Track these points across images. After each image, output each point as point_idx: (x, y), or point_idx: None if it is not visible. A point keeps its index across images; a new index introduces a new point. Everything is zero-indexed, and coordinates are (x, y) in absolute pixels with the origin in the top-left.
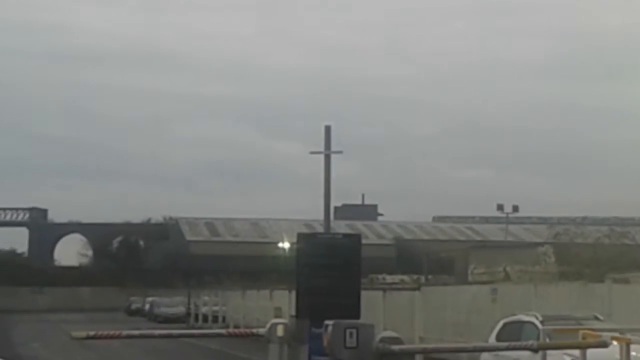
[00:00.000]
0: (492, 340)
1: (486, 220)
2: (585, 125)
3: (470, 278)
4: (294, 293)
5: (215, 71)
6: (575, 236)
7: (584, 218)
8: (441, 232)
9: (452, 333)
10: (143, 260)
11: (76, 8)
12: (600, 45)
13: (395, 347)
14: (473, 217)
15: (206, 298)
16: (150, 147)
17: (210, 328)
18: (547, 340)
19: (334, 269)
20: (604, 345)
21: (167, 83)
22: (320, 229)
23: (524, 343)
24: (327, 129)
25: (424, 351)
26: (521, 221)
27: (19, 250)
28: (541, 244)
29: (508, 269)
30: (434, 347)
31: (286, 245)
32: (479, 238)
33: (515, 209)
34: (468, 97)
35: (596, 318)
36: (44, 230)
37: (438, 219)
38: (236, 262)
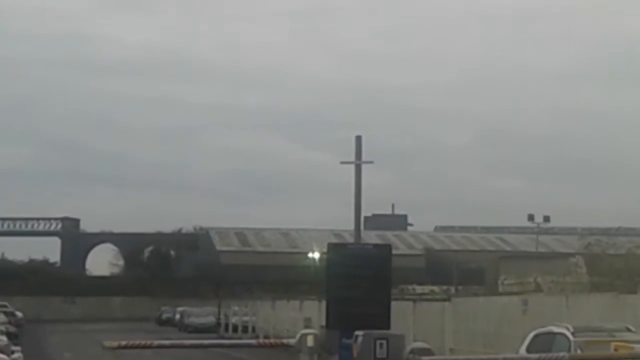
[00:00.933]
0: (522, 351)
1: (518, 230)
2: (617, 133)
3: (500, 289)
4: (324, 303)
5: (246, 81)
6: (607, 247)
7: (617, 229)
8: (471, 243)
9: (483, 344)
10: (174, 270)
11: (109, 19)
12: (633, 51)
13: (426, 358)
14: (502, 227)
15: (236, 308)
16: (182, 157)
17: (240, 338)
18: (579, 352)
19: (364, 280)
20: (637, 357)
21: (198, 93)
22: (350, 239)
23: (555, 355)
24: (358, 139)
25: None
26: (552, 231)
27: (52, 260)
28: (572, 255)
29: (539, 279)
30: (464, 359)
31: (316, 255)
32: (509, 248)
33: (546, 219)
34: (499, 105)
35: (628, 329)
36: (76, 240)
37: (467, 229)
38: (266, 272)
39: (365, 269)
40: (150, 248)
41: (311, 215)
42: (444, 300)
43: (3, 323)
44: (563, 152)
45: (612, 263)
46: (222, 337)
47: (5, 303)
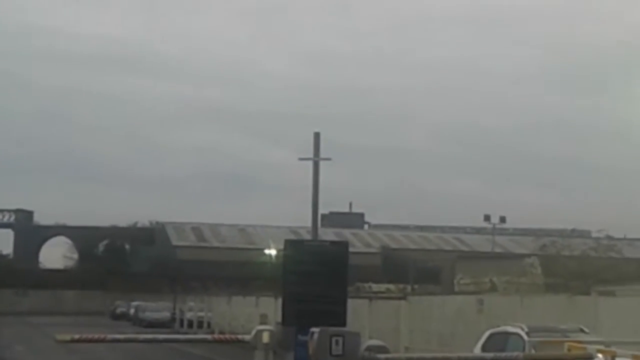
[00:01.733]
0: (477, 350)
1: (474, 230)
2: (573, 135)
3: (456, 288)
4: (280, 300)
5: (206, 76)
6: (562, 248)
7: (571, 230)
8: (428, 242)
9: (438, 343)
10: (129, 264)
11: (71, 11)
12: (590, 59)
13: (381, 356)
14: (459, 227)
15: (192, 304)
16: (138, 152)
17: (196, 333)
18: (533, 351)
19: (320, 276)
20: (590, 357)
21: (157, 87)
22: (307, 236)
23: (509, 354)
24: (317, 136)
25: None
26: (508, 232)
27: (4, 252)
28: (528, 256)
29: (494, 279)
30: (419, 357)
31: (273, 251)
32: (465, 248)
33: (503, 220)
34: (458, 107)
35: (582, 330)
36: (30, 232)
37: (424, 228)
38: (222, 268)
39: (321, 266)
40: (105, 242)
41: (268, 212)
42: (400, 298)
43: None
44: (519, 154)
45: (566, 264)
46: (177, 332)
47: None
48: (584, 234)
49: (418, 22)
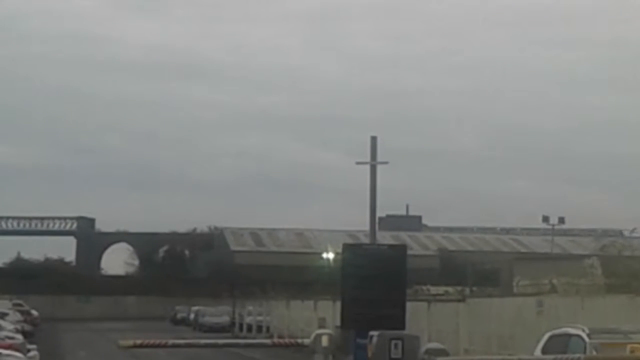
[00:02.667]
0: (537, 353)
1: (533, 232)
2: (630, 135)
3: (515, 290)
4: (338, 303)
5: (260, 82)
6: (622, 248)
7: (632, 230)
8: (486, 244)
9: (497, 345)
10: (188, 269)
11: (124, 20)
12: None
13: (441, 359)
14: (517, 229)
15: (250, 308)
16: (197, 158)
17: (255, 338)
18: (595, 353)
19: (379, 280)
20: None
21: (213, 94)
22: (364, 239)
23: (570, 356)
24: (373, 140)
25: None
26: (567, 233)
27: (67, 259)
28: (588, 256)
29: (554, 281)
30: (479, 359)
31: (330, 255)
32: (523, 250)
33: (561, 220)
34: (513, 106)
35: None
36: (91, 239)
37: (481, 230)
38: (280, 272)
39: (380, 270)
40: (165, 248)
41: (325, 216)
42: (459, 301)
43: (19, 322)
44: (577, 153)
45: (628, 264)
46: (237, 337)
47: (21, 302)
48: None
49: (466, 23)
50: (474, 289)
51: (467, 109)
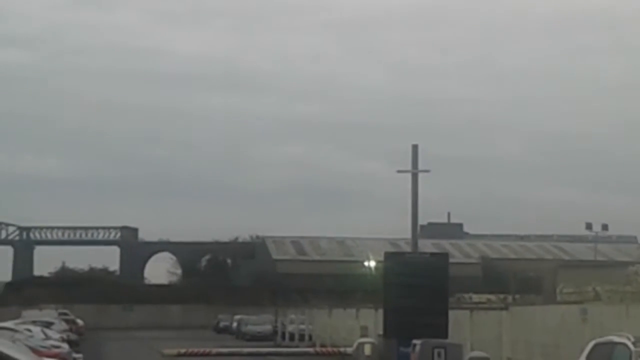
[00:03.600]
0: None
1: (576, 239)
2: None
3: (558, 298)
4: (380, 312)
5: (300, 92)
6: None
7: None
8: (528, 251)
9: (541, 354)
10: (231, 278)
11: (166, 33)
12: None
13: None
14: (559, 236)
15: (293, 316)
16: (239, 167)
17: (297, 346)
18: None
19: (421, 288)
20: None
21: (253, 104)
22: (405, 247)
23: None
24: (415, 148)
25: None
26: (610, 240)
27: (111, 269)
28: (632, 264)
29: (598, 288)
30: None
31: (372, 263)
32: (567, 257)
33: (605, 227)
34: (555, 114)
35: None
36: (135, 248)
37: (524, 237)
38: (322, 281)
39: (422, 278)
40: (207, 257)
41: (366, 224)
42: (502, 309)
43: (64, 331)
44: (621, 160)
45: None
46: (279, 345)
47: (67, 311)
48: None
49: (506, 31)
50: (517, 296)
51: (510, 116)
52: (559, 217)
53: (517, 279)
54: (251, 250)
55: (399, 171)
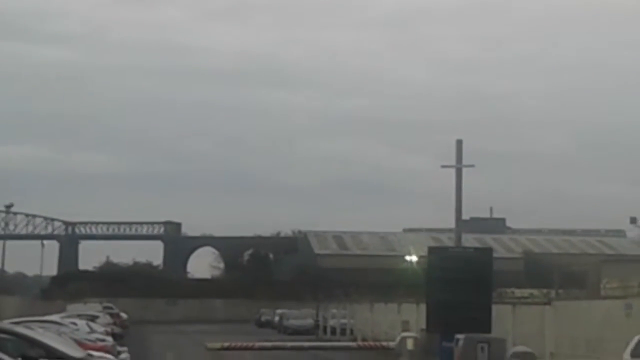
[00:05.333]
0: (627, 356)
1: (620, 234)
2: None
3: (602, 292)
4: (421, 306)
5: (344, 87)
6: None
7: None
8: (571, 246)
9: (585, 348)
10: (273, 272)
11: (210, 29)
12: None
13: None
14: (602, 231)
15: (334, 311)
16: (281, 162)
17: (339, 340)
18: None
19: (464, 283)
20: None
21: (297, 100)
22: (447, 242)
23: None
24: (459, 143)
25: None
26: None
27: (155, 263)
28: None
29: None
30: None
31: (414, 258)
32: (611, 252)
33: None
34: (599, 110)
35: None
36: (178, 243)
37: (567, 232)
38: (364, 275)
39: (466, 273)
40: (249, 251)
41: (407, 219)
42: (544, 304)
43: (109, 324)
44: None
45: None
46: (321, 340)
47: (111, 305)
48: None
49: (554, 25)
50: (560, 291)
51: (555, 111)
52: (603, 212)
53: (560, 273)
54: (293, 245)
55: (443, 166)
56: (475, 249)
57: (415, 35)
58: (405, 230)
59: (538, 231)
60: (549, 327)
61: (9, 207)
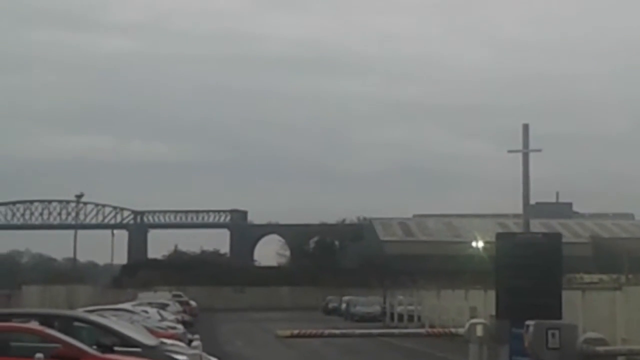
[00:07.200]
0: None
1: None
2: None
3: None
4: (489, 292)
5: (404, 73)
6: None
7: None
8: None
9: None
10: (338, 260)
11: (271, 17)
12: None
13: (601, 349)
14: None
15: (401, 297)
16: (344, 150)
17: (406, 327)
18: None
19: (534, 269)
20: None
21: (357, 87)
22: (513, 227)
23: None
24: (525, 127)
25: (630, 353)
26: None
27: (222, 251)
28: None
29: None
30: None
31: (480, 244)
32: None
33: None
34: None
35: None
36: (244, 231)
37: (634, 216)
38: (430, 262)
39: (534, 259)
40: (315, 239)
41: (473, 205)
42: (615, 289)
43: (179, 312)
44: None
45: None
46: (388, 326)
47: (180, 293)
48: None
49: (616, 3)
50: (630, 276)
51: (620, 92)
52: None
53: (629, 258)
54: (358, 232)
55: (509, 151)
56: (544, 234)
57: (475, 17)
58: (471, 216)
59: (604, 215)
60: (620, 313)
61: (79, 197)
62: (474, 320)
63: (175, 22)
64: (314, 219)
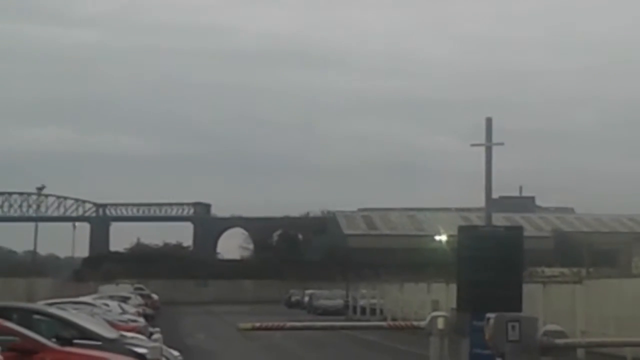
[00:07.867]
0: None
1: None
2: None
3: (634, 271)
4: (451, 286)
5: (372, 67)
6: None
7: None
8: (602, 224)
9: (616, 327)
10: (302, 253)
11: (244, 10)
12: None
13: (560, 341)
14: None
15: (364, 291)
16: (307, 143)
17: (369, 320)
18: None
19: (495, 262)
20: None
21: (323, 79)
22: (476, 220)
23: None
24: (488, 121)
25: (588, 345)
26: None
27: (185, 244)
28: None
29: None
30: (599, 342)
31: (443, 237)
32: None
33: None
34: (629, 87)
35: None
36: (208, 224)
37: (595, 211)
38: (393, 255)
39: (496, 252)
40: (278, 232)
41: (436, 198)
42: (575, 282)
43: (140, 305)
44: None
45: None
46: (351, 320)
47: (142, 286)
48: None
49: (585, 1)
50: (591, 270)
51: (584, 88)
52: (632, 191)
53: (590, 252)
54: (322, 225)
55: (472, 145)
56: (506, 227)
57: (443, 13)
58: (435, 210)
59: (567, 210)
60: (580, 306)
61: (40, 189)
62: (435, 313)
63: (142, 14)
64: (278, 212)
